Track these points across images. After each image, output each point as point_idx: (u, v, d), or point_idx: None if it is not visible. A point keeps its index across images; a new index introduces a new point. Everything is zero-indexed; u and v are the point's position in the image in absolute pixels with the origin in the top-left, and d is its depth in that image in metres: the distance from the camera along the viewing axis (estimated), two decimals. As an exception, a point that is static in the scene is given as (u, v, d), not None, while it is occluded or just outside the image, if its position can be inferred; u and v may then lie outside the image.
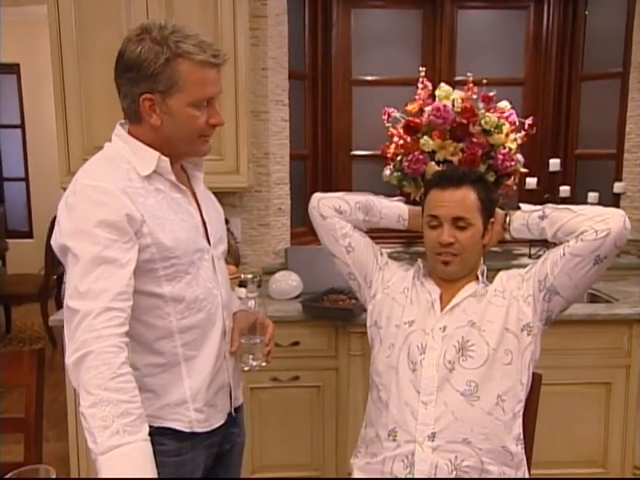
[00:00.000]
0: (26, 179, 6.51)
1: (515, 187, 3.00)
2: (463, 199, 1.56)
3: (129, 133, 1.40)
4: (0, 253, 5.36)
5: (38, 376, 1.66)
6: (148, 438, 1.21)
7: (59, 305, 5.01)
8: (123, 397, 1.20)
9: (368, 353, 1.77)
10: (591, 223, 1.45)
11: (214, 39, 2.40)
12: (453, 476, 1.43)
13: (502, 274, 1.63)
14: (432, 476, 1.44)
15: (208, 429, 1.46)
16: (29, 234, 6.41)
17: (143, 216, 1.31)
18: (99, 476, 1.16)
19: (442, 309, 1.58)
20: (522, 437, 1.54)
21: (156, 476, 1.19)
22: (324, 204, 1.73)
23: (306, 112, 3.17)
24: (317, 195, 1.77)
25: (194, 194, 1.49)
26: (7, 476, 1.08)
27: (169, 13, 2.44)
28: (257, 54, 2.77)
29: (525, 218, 1.59)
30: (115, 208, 1.28)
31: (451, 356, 1.50)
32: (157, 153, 1.38)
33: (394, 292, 1.67)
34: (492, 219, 1.61)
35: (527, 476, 1.56)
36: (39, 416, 1.66)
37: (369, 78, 3.25)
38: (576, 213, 1.50)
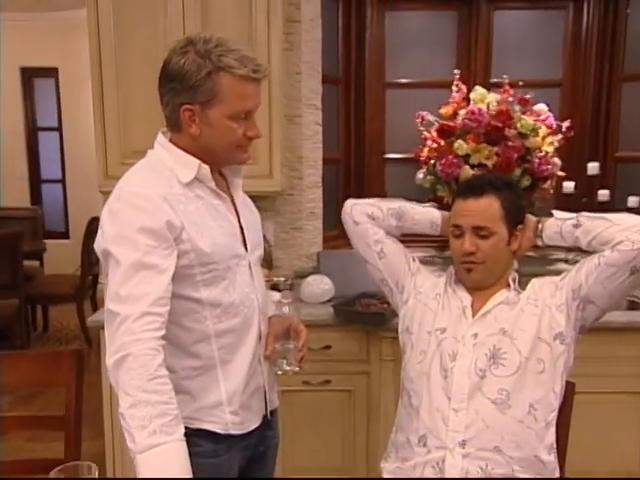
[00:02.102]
0: (63, 181, 6.66)
1: (552, 191, 2.97)
2: (484, 208, 1.57)
3: (170, 141, 1.45)
4: (37, 254, 5.48)
5: (78, 376, 1.72)
6: (184, 438, 1.26)
7: (94, 305, 5.13)
8: (160, 398, 1.24)
9: (399, 358, 1.79)
10: (627, 233, 1.44)
11: (248, 44, 2.47)
12: None
13: (535, 281, 1.63)
14: None
15: (243, 431, 1.50)
16: (66, 235, 6.57)
17: (183, 223, 1.36)
18: (137, 474, 1.21)
19: (473, 316, 1.59)
20: (555, 446, 1.54)
21: (191, 475, 1.24)
22: (357, 210, 1.76)
23: (339, 116, 3.19)
24: (350, 201, 1.80)
25: (233, 200, 1.53)
26: (52, 473, 1.12)
27: (204, 17, 2.49)
28: (291, 59, 2.81)
29: (558, 226, 1.58)
30: (156, 215, 1.33)
31: (482, 364, 1.51)
32: (197, 161, 1.42)
33: (426, 298, 1.69)
34: (521, 226, 1.61)
35: None
36: (79, 415, 1.72)
37: (403, 81, 3.26)
38: (612, 222, 1.49)
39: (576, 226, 1.55)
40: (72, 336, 5.06)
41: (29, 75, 6.56)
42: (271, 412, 1.61)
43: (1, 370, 1.70)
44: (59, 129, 6.59)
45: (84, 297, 4.92)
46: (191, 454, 1.27)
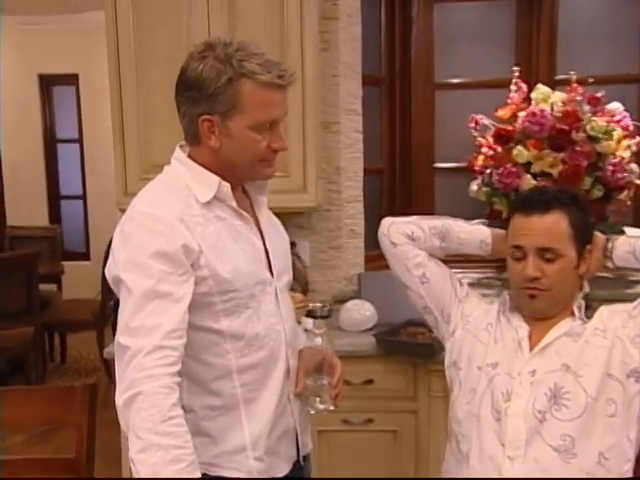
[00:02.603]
0: (84, 197, 6.81)
1: (629, 202, 2.91)
2: (551, 227, 1.52)
3: (189, 156, 1.47)
4: (55, 277, 5.61)
5: (90, 414, 1.74)
6: None
7: (115, 333, 5.21)
8: (174, 442, 1.25)
9: (450, 395, 1.77)
10: None
11: (279, 44, 2.51)
12: None
13: (603, 309, 1.59)
14: None
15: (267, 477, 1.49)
16: (86, 256, 6.71)
17: (201, 246, 1.37)
18: None
19: (531, 349, 1.55)
20: None
21: None
22: (395, 230, 1.76)
23: (382, 121, 3.21)
24: (387, 220, 1.80)
25: (257, 221, 1.54)
26: None
27: (231, 17, 2.54)
28: (327, 59, 2.84)
29: (631, 244, 1.54)
30: (171, 238, 1.34)
31: (542, 405, 1.47)
32: (217, 178, 1.44)
33: (476, 329, 1.67)
34: (589, 246, 1.57)
35: None
36: (90, 457, 1.74)
37: (454, 81, 3.26)
38: None
39: None
40: (92, 367, 5.17)
41: (48, 83, 6.74)
42: (304, 457, 1.60)
43: (3, 407, 1.73)
44: (80, 140, 6.75)
45: (105, 324, 4.99)
46: None
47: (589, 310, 1.61)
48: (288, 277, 1.61)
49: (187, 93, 1.41)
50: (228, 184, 1.44)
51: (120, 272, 1.36)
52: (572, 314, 1.58)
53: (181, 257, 1.34)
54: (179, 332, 1.32)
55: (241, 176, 1.49)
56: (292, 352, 1.54)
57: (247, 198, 1.56)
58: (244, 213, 1.49)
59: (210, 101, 1.38)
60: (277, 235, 1.61)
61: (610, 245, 1.57)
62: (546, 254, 1.51)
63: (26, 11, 5.97)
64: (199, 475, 1.28)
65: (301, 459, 1.58)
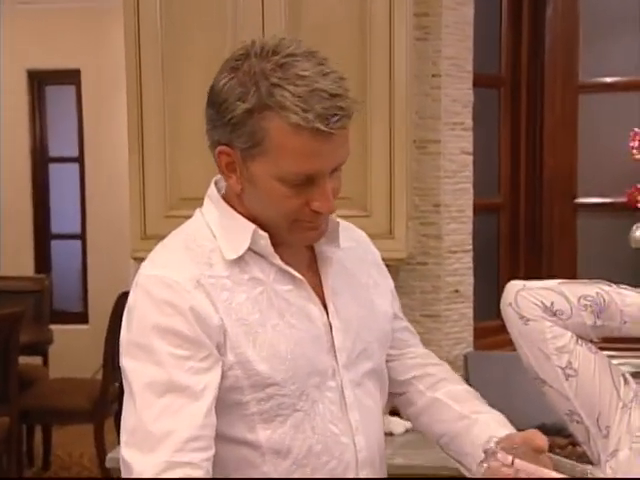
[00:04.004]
0: (82, 236, 6.94)
1: None
2: None
3: (223, 196, 1.49)
4: (40, 347, 5.66)
5: None
6: None
7: (119, 429, 5.22)
8: None
9: None
10: None
11: (359, 33, 2.55)
12: None
13: None
14: None
15: None
16: (83, 318, 6.80)
17: (223, 321, 1.36)
18: None
19: None
20: None
21: None
22: (526, 299, 1.70)
23: (501, 138, 3.21)
24: (514, 284, 1.75)
25: (320, 283, 1.51)
26: None
27: (294, 18, 2.56)
28: (426, 53, 2.86)
29: None
30: (184, 310, 1.33)
31: None
32: (252, 226, 1.41)
33: None
34: None
35: None
36: None
37: (606, 80, 3.25)
38: None
39: None
40: (86, 475, 5.19)
41: (39, 81, 6.91)
42: None
43: None
44: (80, 160, 6.88)
45: (106, 415, 5.02)
46: None
47: None
48: (370, 364, 1.56)
49: (209, 110, 1.40)
50: (265, 234, 1.41)
51: (122, 359, 1.37)
52: None
53: (199, 334, 1.34)
54: (201, 441, 1.30)
55: (274, 235, 1.44)
56: (371, 471, 1.51)
57: (307, 251, 1.54)
58: (295, 274, 1.46)
59: (228, 130, 1.36)
60: (360, 305, 1.57)
61: None
62: None
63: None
64: None
65: None
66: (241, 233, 1.42)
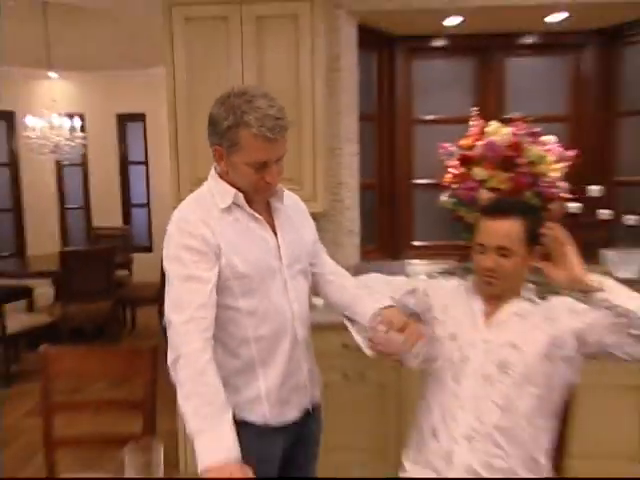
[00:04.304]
0: (148, 205, 6.78)
1: (559, 211, 2.87)
2: (509, 230, 1.45)
3: (219, 173, 1.44)
4: (127, 265, 5.58)
5: (153, 369, 1.74)
6: (231, 422, 1.25)
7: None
8: (208, 390, 1.25)
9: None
10: None
11: (296, 91, 2.48)
12: (486, 475, 1.38)
13: (556, 302, 1.48)
14: (467, 474, 1.39)
15: (281, 423, 1.46)
16: (150, 249, 6.66)
17: (219, 242, 1.35)
18: (196, 453, 1.21)
19: (486, 324, 1.49)
20: (549, 452, 1.45)
21: (239, 453, 1.22)
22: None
23: (374, 147, 3.16)
24: None
25: (273, 222, 1.47)
26: (127, 445, 1.13)
27: (260, 72, 2.49)
28: (333, 101, 2.79)
29: (610, 302, 1.33)
30: (196, 235, 1.34)
31: (491, 370, 1.42)
32: (234, 190, 1.39)
33: (437, 310, 1.60)
34: (539, 247, 1.45)
35: None
36: (153, 401, 1.74)
37: (428, 117, 3.21)
38: None
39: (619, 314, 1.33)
40: (154, 332, 5.10)
41: (123, 120, 6.72)
42: (313, 406, 1.57)
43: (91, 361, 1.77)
44: (145, 163, 6.73)
45: (164, 300, 4.95)
46: (239, 437, 1.25)
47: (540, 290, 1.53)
48: (301, 265, 1.51)
49: (209, 127, 1.39)
50: (241, 194, 1.40)
51: (165, 263, 1.36)
52: (519, 295, 1.51)
53: (205, 249, 1.33)
54: (208, 306, 1.32)
55: (246, 194, 1.42)
56: (301, 324, 1.48)
57: (266, 206, 1.49)
58: (257, 216, 1.43)
59: (219, 136, 1.35)
60: (294, 232, 1.52)
61: (597, 294, 1.35)
62: (502, 251, 1.45)
63: (109, 67, 6.01)
64: (229, 413, 1.26)
65: (311, 408, 1.55)
66: (228, 193, 1.40)
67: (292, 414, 1.49)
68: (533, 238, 1.46)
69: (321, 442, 1.67)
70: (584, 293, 1.36)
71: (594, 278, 1.36)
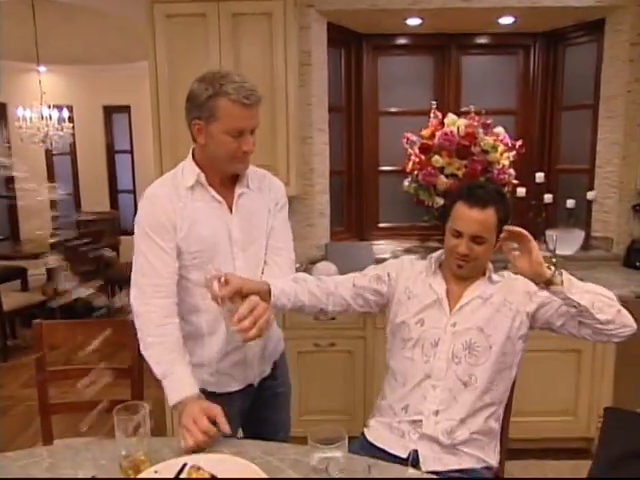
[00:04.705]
0: (133, 191, 6.64)
1: (508, 195, 2.91)
2: (486, 220, 1.38)
3: (192, 153, 1.41)
4: (115, 246, 5.49)
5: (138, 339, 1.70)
6: (189, 367, 1.30)
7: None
8: (166, 339, 1.30)
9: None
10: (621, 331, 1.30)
11: (270, 84, 2.44)
12: (448, 442, 1.39)
13: (511, 282, 1.45)
14: (430, 441, 1.39)
15: (219, 391, 1.44)
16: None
17: (177, 218, 1.35)
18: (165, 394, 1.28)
19: (450, 305, 1.46)
20: (501, 417, 1.48)
21: (198, 390, 1.28)
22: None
23: (342, 137, 3.14)
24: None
25: (232, 206, 1.42)
26: (115, 408, 1.12)
27: (237, 64, 2.43)
28: (304, 93, 2.75)
29: (564, 294, 1.30)
30: (159, 210, 1.34)
31: (458, 351, 1.41)
32: (197, 170, 1.37)
33: (400, 293, 1.53)
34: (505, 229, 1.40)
35: (497, 445, 1.48)
36: (140, 368, 1.71)
37: (392, 109, 3.19)
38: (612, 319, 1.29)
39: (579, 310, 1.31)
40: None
41: (109, 111, 6.56)
42: (262, 380, 1.53)
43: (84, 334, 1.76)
44: (131, 152, 6.58)
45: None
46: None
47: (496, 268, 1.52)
48: (255, 248, 1.43)
49: (187, 104, 1.35)
50: (203, 174, 1.37)
51: (135, 237, 1.37)
52: (484, 274, 1.48)
53: (166, 223, 1.34)
54: (167, 273, 1.34)
55: (221, 168, 1.38)
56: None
57: (230, 189, 1.42)
58: (217, 197, 1.39)
59: (198, 110, 1.31)
60: (251, 220, 1.43)
61: (559, 277, 1.30)
62: (477, 239, 1.40)
63: (95, 61, 5.82)
64: (188, 359, 1.31)
65: (256, 382, 1.51)
66: (193, 172, 1.39)
67: (233, 386, 1.46)
68: (503, 224, 1.41)
69: (289, 395, 1.65)
70: (545, 285, 1.31)
71: (554, 273, 1.31)
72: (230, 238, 1.40)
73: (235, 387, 1.47)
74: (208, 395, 1.32)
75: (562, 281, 1.28)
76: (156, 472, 1.05)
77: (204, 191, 1.38)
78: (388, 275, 1.55)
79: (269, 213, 1.48)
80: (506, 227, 1.36)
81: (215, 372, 1.44)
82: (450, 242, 1.44)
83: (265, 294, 1.30)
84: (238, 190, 1.43)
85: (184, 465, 1.06)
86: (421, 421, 1.40)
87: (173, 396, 1.26)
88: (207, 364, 1.43)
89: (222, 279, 1.23)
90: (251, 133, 1.33)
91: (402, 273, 1.55)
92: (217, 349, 1.43)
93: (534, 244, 1.30)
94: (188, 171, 1.38)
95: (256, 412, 1.55)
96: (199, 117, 1.31)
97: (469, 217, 1.39)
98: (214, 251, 1.37)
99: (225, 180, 1.41)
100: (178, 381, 1.27)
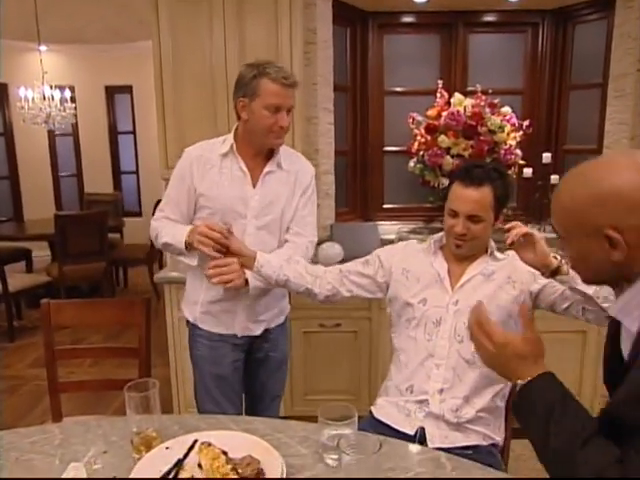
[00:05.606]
0: (136, 172, 6.62)
1: (515, 175, 2.89)
2: (481, 199, 1.38)
3: (235, 129, 1.62)
4: (119, 228, 5.46)
5: (147, 318, 1.72)
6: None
7: (161, 266, 5.13)
8: (176, 231, 1.58)
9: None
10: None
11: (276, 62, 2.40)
12: (455, 420, 1.39)
13: (516, 264, 1.42)
14: (437, 420, 1.40)
15: (208, 329, 1.66)
16: (139, 214, 6.55)
17: (199, 177, 1.57)
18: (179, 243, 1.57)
19: (452, 284, 1.46)
20: (506, 395, 1.48)
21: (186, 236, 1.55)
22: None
23: (347, 117, 3.10)
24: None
25: (259, 178, 1.60)
26: (125, 386, 1.12)
27: (241, 45, 2.40)
28: (309, 72, 2.72)
29: (570, 284, 1.31)
30: (184, 165, 1.60)
31: (461, 330, 1.41)
32: (232, 141, 1.59)
33: (397, 274, 1.53)
34: (505, 210, 1.43)
35: (503, 423, 1.48)
36: (148, 347, 1.73)
37: (398, 89, 3.15)
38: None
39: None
40: (145, 290, 5.05)
41: (111, 92, 6.49)
42: (268, 333, 1.70)
43: (91, 312, 1.80)
44: (134, 132, 6.54)
45: (153, 261, 4.89)
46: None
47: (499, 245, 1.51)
48: (266, 220, 1.60)
49: (235, 87, 1.55)
50: (235, 146, 1.58)
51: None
52: (485, 252, 1.49)
53: (187, 175, 1.59)
54: (178, 210, 1.63)
55: (259, 141, 1.56)
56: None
57: (261, 162, 1.61)
58: (245, 169, 1.58)
59: (243, 89, 1.52)
60: (271, 200, 1.61)
61: (565, 276, 1.31)
62: (473, 218, 1.40)
63: (97, 41, 5.75)
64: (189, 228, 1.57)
65: (239, 334, 1.66)
66: (228, 143, 1.60)
67: (218, 329, 1.66)
68: (502, 204, 1.42)
69: (284, 363, 1.78)
70: (551, 275, 1.32)
71: (561, 262, 1.31)
72: (246, 208, 1.58)
73: (220, 330, 1.65)
74: (201, 329, 1.67)
75: (568, 270, 1.27)
76: (167, 448, 1.07)
77: (234, 160, 1.58)
78: (378, 258, 1.56)
79: (292, 197, 1.64)
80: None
81: (206, 312, 1.65)
82: (448, 222, 1.45)
83: (251, 260, 1.49)
84: (268, 167, 1.60)
85: (195, 441, 1.07)
86: (427, 400, 1.41)
87: (182, 238, 1.53)
88: (200, 303, 1.65)
89: (229, 228, 1.48)
90: (287, 112, 1.52)
91: (395, 256, 1.55)
92: (213, 297, 1.63)
93: (538, 237, 1.32)
94: (226, 141, 1.59)
95: (249, 369, 1.71)
96: (244, 95, 1.51)
97: (464, 196, 1.39)
98: (227, 215, 1.56)
99: (258, 157, 1.59)
100: (182, 228, 1.55)
